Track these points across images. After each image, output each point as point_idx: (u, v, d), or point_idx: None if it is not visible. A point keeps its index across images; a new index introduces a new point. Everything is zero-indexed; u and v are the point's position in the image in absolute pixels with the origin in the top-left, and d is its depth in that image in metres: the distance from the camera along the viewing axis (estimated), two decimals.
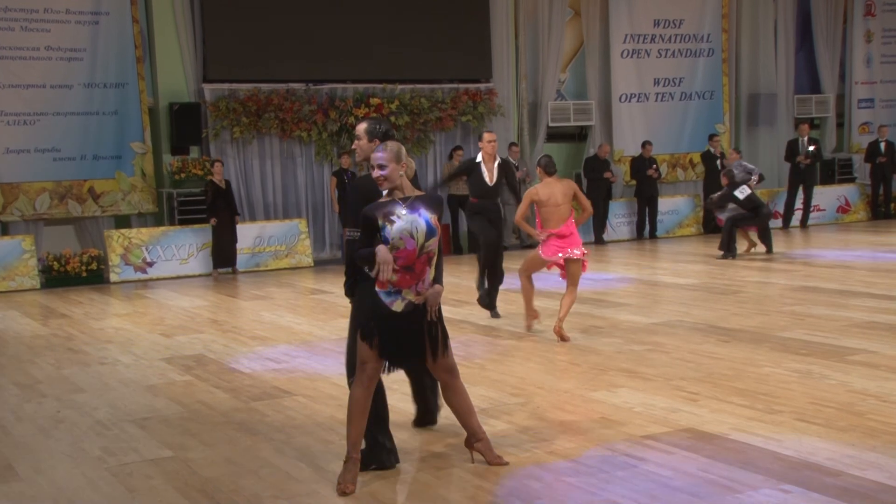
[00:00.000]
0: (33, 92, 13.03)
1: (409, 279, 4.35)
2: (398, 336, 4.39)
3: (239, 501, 4.32)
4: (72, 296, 11.75)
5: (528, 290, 7.99)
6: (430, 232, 4.36)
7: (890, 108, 18.80)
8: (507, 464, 4.59)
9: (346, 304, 10.00)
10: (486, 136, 8.62)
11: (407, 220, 4.33)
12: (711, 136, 16.16)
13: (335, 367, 6.98)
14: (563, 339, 7.49)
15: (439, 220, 4.45)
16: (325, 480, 4.54)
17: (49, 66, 13.09)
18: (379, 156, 4.41)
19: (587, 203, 7.82)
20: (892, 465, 4.38)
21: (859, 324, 7.75)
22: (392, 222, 4.32)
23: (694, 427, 5.11)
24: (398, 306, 4.36)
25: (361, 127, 4.85)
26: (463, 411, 4.63)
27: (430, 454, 4.88)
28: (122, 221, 13.68)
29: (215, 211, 13.02)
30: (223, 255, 13.20)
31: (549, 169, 7.65)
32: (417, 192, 4.48)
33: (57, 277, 12.63)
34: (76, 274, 12.72)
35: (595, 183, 15.30)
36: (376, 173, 4.40)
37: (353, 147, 4.94)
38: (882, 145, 17.09)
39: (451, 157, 14.64)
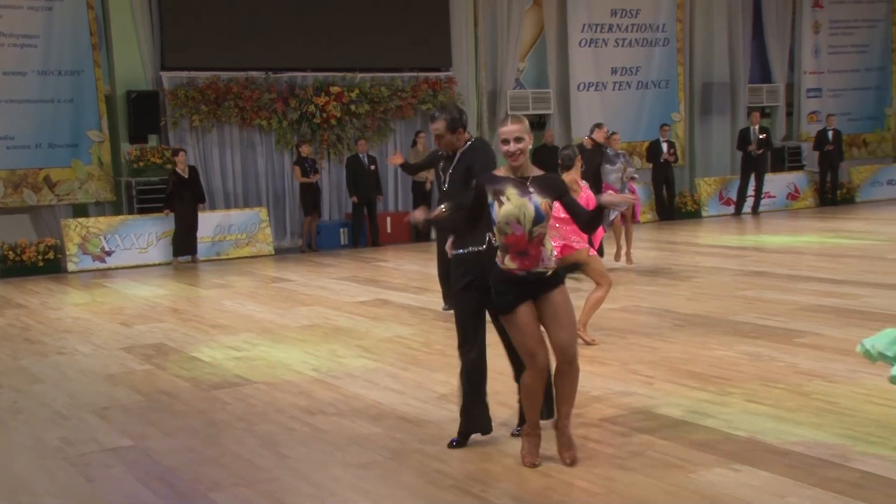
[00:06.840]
0: None
1: (528, 262, 4.23)
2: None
3: (200, 489, 4.32)
4: (28, 286, 11.60)
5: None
6: (538, 218, 4.20)
7: (837, 98, 19.24)
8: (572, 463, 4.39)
9: (307, 293, 10.06)
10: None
11: (515, 204, 4.20)
12: (662, 126, 16.39)
13: (296, 355, 7.02)
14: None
15: (551, 204, 4.26)
16: (288, 467, 4.56)
17: (1, 53, 12.84)
18: (514, 128, 4.22)
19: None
20: (836, 442, 4.54)
21: (806, 307, 7.97)
22: (501, 203, 4.20)
23: (649, 409, 5.24)
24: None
25: (440, 125, 4.75)
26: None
27: (407, 452, 4.94)
28: (80, 210, 13.51)
29: (175, 201, 12.91)
30: (184, 243, 13.11)
31: (565, 163, 7.28)
32: (536, 172, 4.32)
33: (13, 267, 12.45)
34: (32, 263, 12.54)
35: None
36: (512, 147, 4.21)
37: (436, 143, 4.89)
38: (830, 134, 17.58)
39: (414, 143, 14.65)
